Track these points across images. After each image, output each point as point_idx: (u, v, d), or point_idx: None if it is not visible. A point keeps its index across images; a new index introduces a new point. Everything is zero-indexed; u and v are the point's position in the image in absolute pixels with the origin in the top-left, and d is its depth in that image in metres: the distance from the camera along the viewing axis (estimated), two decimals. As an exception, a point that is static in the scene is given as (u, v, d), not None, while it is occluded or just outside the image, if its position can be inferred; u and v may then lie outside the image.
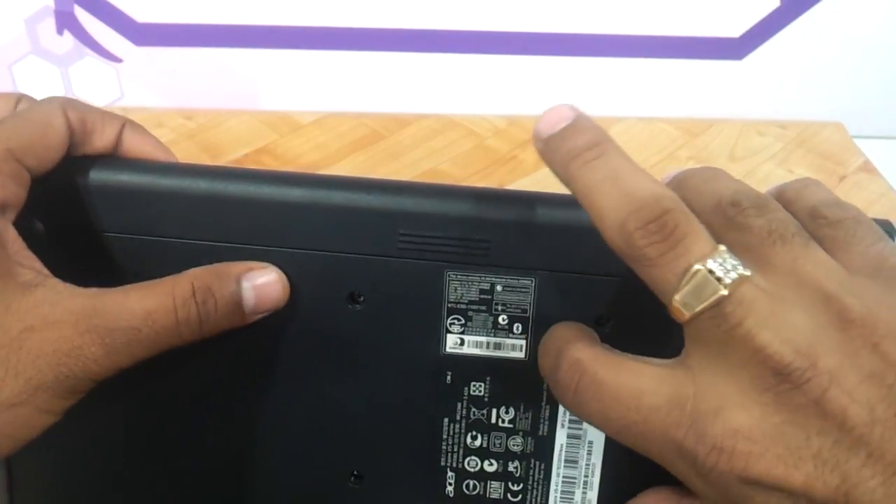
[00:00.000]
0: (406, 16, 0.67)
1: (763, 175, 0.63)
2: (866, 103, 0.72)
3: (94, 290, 0.25)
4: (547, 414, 0.30)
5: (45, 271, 0.25)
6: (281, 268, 0.28)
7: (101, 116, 0.29)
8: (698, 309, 0.21)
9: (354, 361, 0.30)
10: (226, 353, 0.29)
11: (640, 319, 0.28)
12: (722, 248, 0.22)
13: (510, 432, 0.30)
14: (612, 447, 0.30)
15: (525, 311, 0.29)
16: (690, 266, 0.21)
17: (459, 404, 0.30)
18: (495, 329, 0.29)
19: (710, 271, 0.21)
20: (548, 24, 0.68)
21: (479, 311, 0.29)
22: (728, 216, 0.23)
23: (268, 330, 0.29)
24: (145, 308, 0.25)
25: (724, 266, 0.21)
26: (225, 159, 0.63)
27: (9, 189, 0.25)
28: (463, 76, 0.70)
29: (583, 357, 0.24)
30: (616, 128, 0.68)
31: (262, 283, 0.27)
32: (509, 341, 0.29)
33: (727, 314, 0.21)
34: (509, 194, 0.30)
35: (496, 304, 0.29)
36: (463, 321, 0.29)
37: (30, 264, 0.25)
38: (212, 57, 0.69)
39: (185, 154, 0.63)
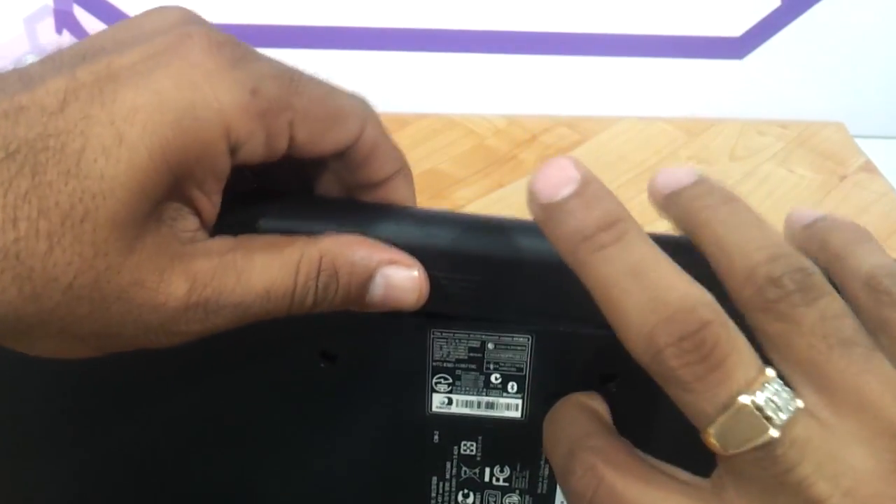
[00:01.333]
0: (406, 15, 0.67)
1: (763, 175, 0.63)
2: (867, 103, 0.72)
3: (222, 245, 0.21)
4: (546, 472, 0.28)
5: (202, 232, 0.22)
6: (243, 327, 0.24)
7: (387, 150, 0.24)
8: (742, 450, 0.18)
9: (330, 423, 0.28)
10: (199, 418, 0.28)
11: (649, 376, 0.26)
12: (771, 373, 0.18)
13: (506, 490, 0.28)
14: None
15: (521, 369, 0.26)
16: (733, 398, 0.18)
17: (449, 463, 0.28)
18: (487, 388, 0.27)
19: (758, 407, 0.18)
20: (548, 24, 0.68)
21: (468, 369, 0.26)
22: (763, 295, 0.19)
23: (239, 389, 0.27)
24: (266, 285, 0.21)
25: (774, 402, 0.18)
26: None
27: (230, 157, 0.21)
28: (463, 76, 0.70)
29: (600, 463, 0.21)
30: (616, 127, 0.68)
31: (399, 282, 0.23)
32: (503, 400, 0.27)
33: (777, 457, 0.18)
34: (496, 227, 0.25)
35: (488, 362, 0.26)
36: (450, 380, 0.27)
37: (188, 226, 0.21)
38: (211, 56, 0.69)
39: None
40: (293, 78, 0.22)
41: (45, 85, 0.19)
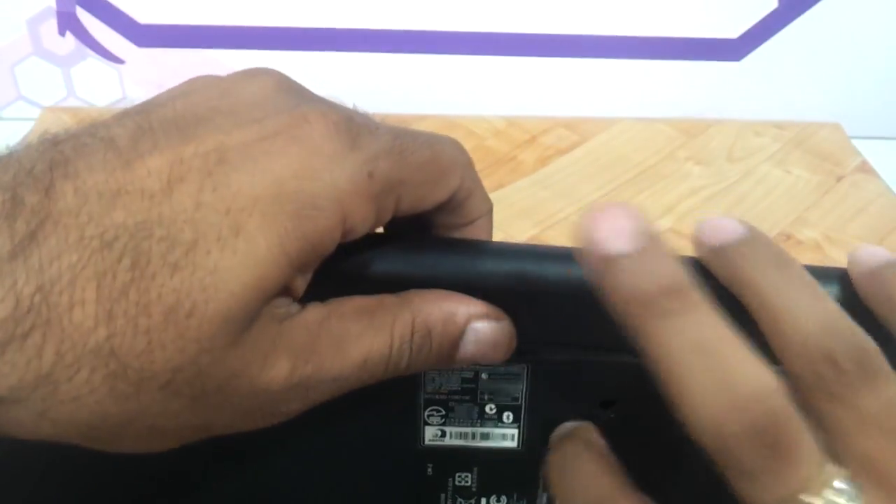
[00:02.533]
0: (406, 16, 0.68)
1: (761, 175, 0.64)
2: (864, 104, 0.72)
3: (316, 315, 0.20)
4: (544, 501, 0.28)
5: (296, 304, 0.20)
6: None
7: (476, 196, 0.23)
8: None
9: (323, 458, 0.27)
10: (185, 452, 0.27)
11: (649, 400, 0.25)
12: (834, 471, 0.17)
13: None
14: None
15: (516, 399, 0.26)
16: (794, 495, 0.17)
17: (443, 495, 0.27)
18: (482, 419, 0.26)
19: None
20: (546, 26, 0.68)
21: (461, 401, 0.26)
22: (819, 374, 0.18)
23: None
24: (363, 354, 0.20)
25: (836, 503, 0.17)
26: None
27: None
28: (462, 77, 0.70)
29: None
30: (615, 128, 0.68)
31: (486, 338, 0.22)
32: (499, 430, 0.26)
33: None
34: (486, 252, 0.24)
35: (482, 392, 0.26)
36: (443, 412, 0.26)
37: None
38: (214, 58, 0.69)
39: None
40: (403, 149, 0.21)
41: (144, 163, 0.18)
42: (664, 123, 0.69)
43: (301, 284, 0.20)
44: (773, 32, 0.69)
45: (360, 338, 0.20)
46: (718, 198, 0.61)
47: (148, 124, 0.19)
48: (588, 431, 0.23)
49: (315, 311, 0.20)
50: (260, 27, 0.68)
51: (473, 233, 0.24)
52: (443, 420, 0.26)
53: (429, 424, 0.26)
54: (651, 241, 0.18)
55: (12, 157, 0.18)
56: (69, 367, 0.17)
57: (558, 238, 0.55)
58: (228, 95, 0.20)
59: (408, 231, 0.24)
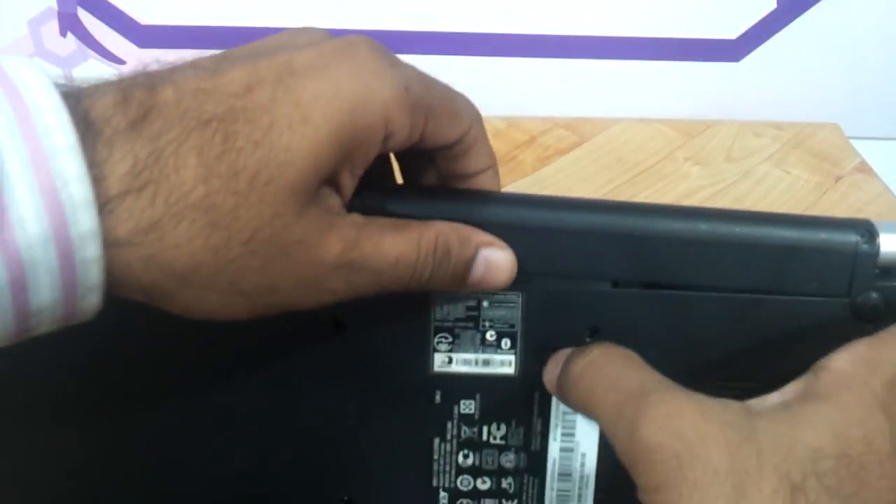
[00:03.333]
0: (406, 17, 0.68)
1: (760, 176, 0.64)
2: (862, 104, 0.72)
3: (359, 220, 0.24)
4: (539, 428, 0.30)
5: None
6: None
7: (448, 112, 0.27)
8: None
9: (341, 386, 0.29)
10: (211, 379, 0.29)
11: (634, 330, 0.28)
12: None
13: (502, 448, 0.30)
14: (605, 458, 0.30)
15: (513, 325, 0.28)
16: None
17: (450, 423, 0.29)
18: (483, 345, 0.29)
19: None
20: (546, 26, 0.69)
21: (466, 328, 0.28)
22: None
23: (251, 355, 0.28)
24: (396, 255, 0.24)
25: None
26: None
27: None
28: (462, 77, 0.70)
29: (674, 412, 0.23)
30: (614, 129, 0.69)
31: (496, 259, 0.26)
32: (498, 357, 0.29)
33: None
34: (486, 199, 0.28)
35: (483, 320, 0.28)
36: (450, 339, 0.28)
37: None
38: (214, 58, 0.69)
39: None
40: (429, 80, 0.25)
41: (227, 74, 0.22)
42: (663, 124, 0.69)
43: (348, 184, 0.24)
44: (772, 33, 0.69)
45: (393, 242, 0.24)
46: (718, 198, 0.61)
47: (224, 56, 0.23)
48: (606, 344, 0.27)
49: (357, 218, 0.24)
50: (260, 28, 0.68)
51: (479, 184, 0.28)
52: (450, 347, 0.29)
53: (437, 351, 0.29)
54: None
55: (114, 77, 0.22)
56: (174, 217, 0.21)
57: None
58: (286, 39, 0.25)
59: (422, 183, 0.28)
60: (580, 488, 0.30)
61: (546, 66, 0.70)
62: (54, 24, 0.67)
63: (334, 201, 0.24)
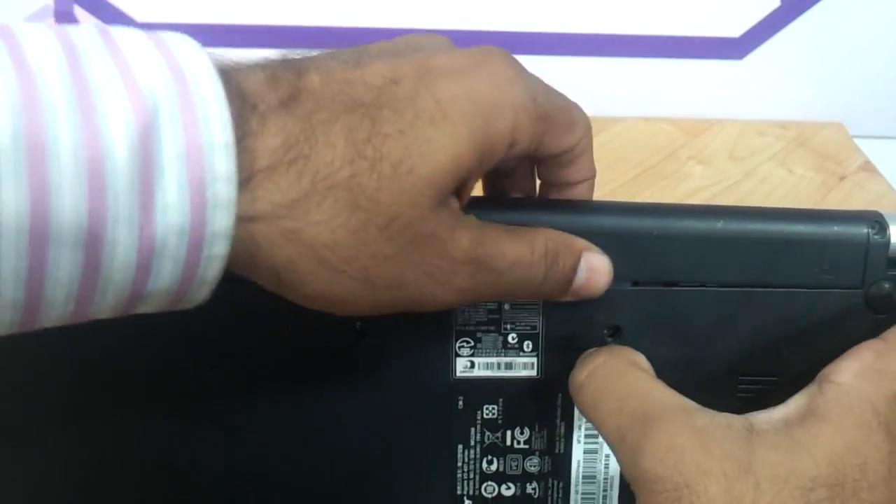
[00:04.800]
0: (407, 16, 0.67)
1: (763, 175, 0.63)
2: (866, 103, 0.72)
3: (478, 223, 0.25)
4: (562, 431, 0.30)
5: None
6: (284, 300, 0.27)
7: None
8: None
9: (363, 394, 0.29)
10: (233, 386, 0.29)
11: (654, 327, 0.28)
12: None
13: (526, 453, 0.30)
14: None
15: (535, 327, 0.28)
16: None
17: (473, 429, 0.29)
18: (505, 349, 0.29)
19: None
20: (547, 24, 0.68)
21: (487, 331, 0.28)
22: None
23: (274, 364, 0.28)
24: (513, 258, 0.24)
25: None
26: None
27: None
28: (463, 76, 0.70)
29: (683, 434, 0.24)
30: (616, 128, 0.68)
31: (596, 266, 0.26)
32: (520, 360, 0.29)
33: None
34: (504, 204, 0.28)
35: (505, 323, 0.28)
36: (472, 343, 0.28)
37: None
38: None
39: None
40: (550, 90, 0.26)
41: (369, 67, 0.23)
42: (666, 122, 0.69)
43: (468, 189, 0.24)
44: (776, 31, 0.69)
45: (511, 245, 0.25)
46: (721, 197, 0.60)
47: (362, 50, 0.24)
48: (616, 347, 0.27)
49: (477, 220, 0.25)
50: (258, 26, 0.68)
51: (576, 194, 0.28)
52: (472, 351, 0.29)
53: (459, 356, 0.29)
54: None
55: (255, 60, 0.22)
56: (320, 194, 0.21)
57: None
58: (415, 42, 0.25)
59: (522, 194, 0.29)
60: (605, 490, 0.30)
61: (547, 64, 0.70)
62: (51, 22, 0.67)
63: (456, 204, 0.24)
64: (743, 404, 0.29)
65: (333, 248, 0.22)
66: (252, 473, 0.30)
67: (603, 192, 0.60)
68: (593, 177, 0.28)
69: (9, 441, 0.29)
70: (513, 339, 0.28)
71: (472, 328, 0.28)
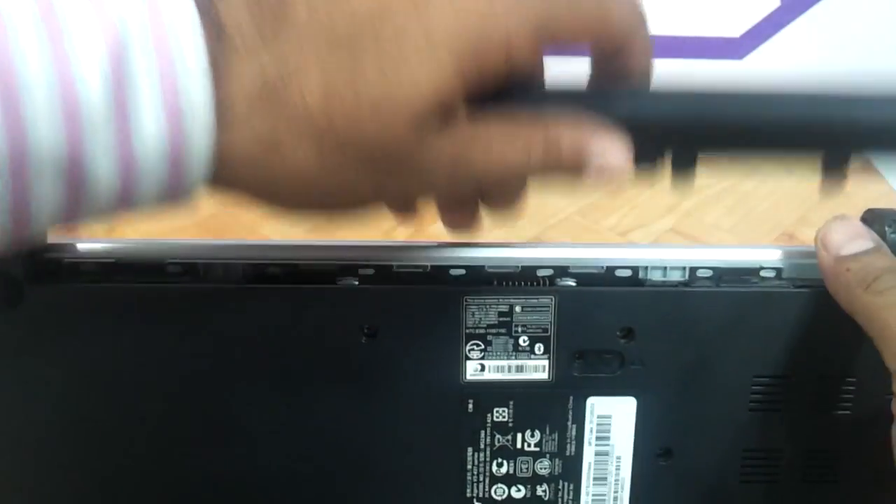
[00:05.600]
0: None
1: (762, 175, 0.63)
2: (867, 103, 0.72)
3: (470, 126, 0.24)
4: (573, 433, 0.29)
5: None
6: (292, 302, 0.28)
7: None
8: None
9: (372, 396, 0.29)
10: (241, 389, 0.29)
11: (667, 329, 0.28)
12: None
13: (537, 455, 0.30)
14: (640, 461, 0.30)
15: (546, 329, 0.28)
16: None
17: (483, 432, 0.29)
18: (516, 351, 0.28)
19: None
20: (548, 24, 0.68)
21: (498, 334, 0.28)
22: None
23: (279, 365, 0.28)
24: (504, 161, 0.24)
25: None
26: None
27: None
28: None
29: None
30: (616, 127, 0.68)
31: (610, 160, 0.26)
32: (531, 363, 0.28)
33: None
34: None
35: (516, 325, 0.28)
36: (482, 346, 0.28)
37: None
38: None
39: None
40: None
41: None
42: (666, 122, 0.69)
43: (473, 97, 0.24)
44: (776, 31, 0.69)
45: (501, 149, 0.24)
46: (721, 198, 0.60)
47: None
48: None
49: (466, 125, 0.24)
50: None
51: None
52: (482, 354, 0.28)
53: (469, 359, 0.28)
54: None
55: None
56: (293, 137, 0.21)
57: (560, 238, 0.55)
58: None
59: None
60: (616, 492, 0.30)
61: (547, 64, 0.70)
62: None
63: (452, 114, 0.24)
64: (757, 406, 0.29)
65: (306, 180, 0.22)
66: (260, 476, 0.30)
67: (603, 192, 0.60)
68: (647, 70, 0.28)
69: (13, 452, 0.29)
70: (524, 341, 0.28)
71: (482, 331, 0.28)
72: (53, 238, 0.28)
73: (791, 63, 0.70)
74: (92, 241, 0.29)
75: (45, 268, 0.27)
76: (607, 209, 0.58)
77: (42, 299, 0.27)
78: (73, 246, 0.28)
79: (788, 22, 0.69)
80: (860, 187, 0.62)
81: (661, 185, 0.63)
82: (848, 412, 0.29)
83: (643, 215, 0.58)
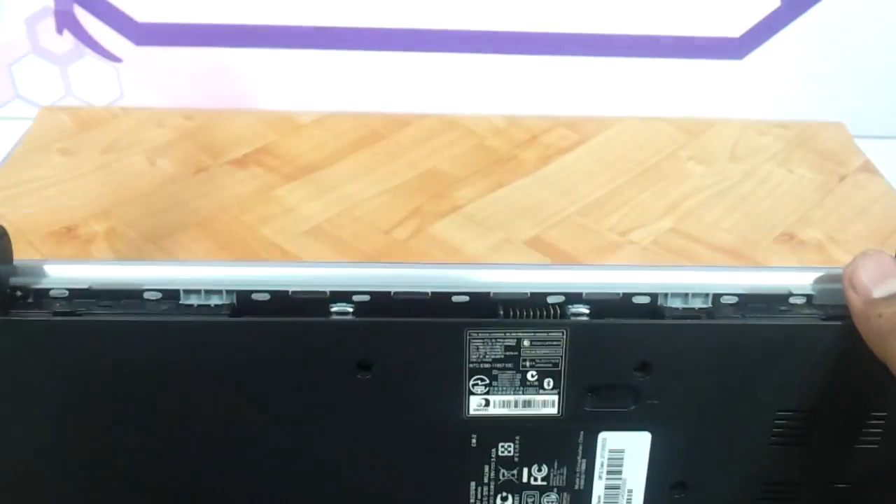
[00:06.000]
0: (406, 16, 0.67)
1: (763, 175, 0.63)
2: (867, 103, 0.72)
3: None
4: (583, 467, 0.28)
5: None
6: (281, 336, 0.26)
7: None
8: None
9: (369, 432, 0.28)
10: (240, 420, 0.28)
11: (684, 362, 0.27)
12: None
13: (544, 490, 0.29)
14: (652, 494, 0.29)
15: (556, 364, 0.27)
16: None
17: (487, 466, 0.28)
18: (524, 386, 0.27)
19: None
20: (548, 24, 0.68)
21: (504, 369, 0.27)
22: None
23: (269, 402, 0.27)
24: None
25: None
26: (224, 159, 0.63)
27: None
28: (463, 76, 0.70)
29: None
30: (616, 128, 0.68)
31: None
32: (540, 398, 0.27)
33: None
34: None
35: (524, 359, 0.27)
36: (487, 381, 0.27)
37: None
38: (212, 57, 0.69)
39: (183, 154, 0.63)
40: None
41: None
42: (666, 122, 0.69)
43: None
44: (776, 31, 0.69)
45: None
46: (721, 197, 0.60)
47: None
48: None
49: None
50: (258, 25, 0.67)
51: None
52: (487, 389, 0.27)
53: (473, 394, 0.27)
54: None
55: None
56: None
57: (560, 238, 0.55)
58: None
59: None
60: None
61: (547, 63, 0.70)
62: (51, 22, 0.67)
63: None
64: (780, 439, 0.28)
65: None
66: None
67: (603, 192, 0.60)
68: None
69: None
70: (532, 376, 0.27)
71: (487, 365, 0.27)
72: (20, 257, 0.27)
73: (791, 63, 0.70)
74: (63, 262, 0.27)
75: (10, 294, 0.26)
76: (607, 209, 0.58)
77: (7, 331, 0.25)
78: (40, 268, 0.27)
79: (788, 22, 0.69)
80: (860, 187, 0.62)
81: (661, 186, 0.63)
82: (876, 446, 0.28)
83: (643, 215, 0.58)
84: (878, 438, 0.28)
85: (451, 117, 0.68)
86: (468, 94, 0.71)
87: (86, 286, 0.26)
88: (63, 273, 0.26)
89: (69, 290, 0.26)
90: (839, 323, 0.26)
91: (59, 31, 0.67)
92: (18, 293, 0.26)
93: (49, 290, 0.26)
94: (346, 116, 0.68)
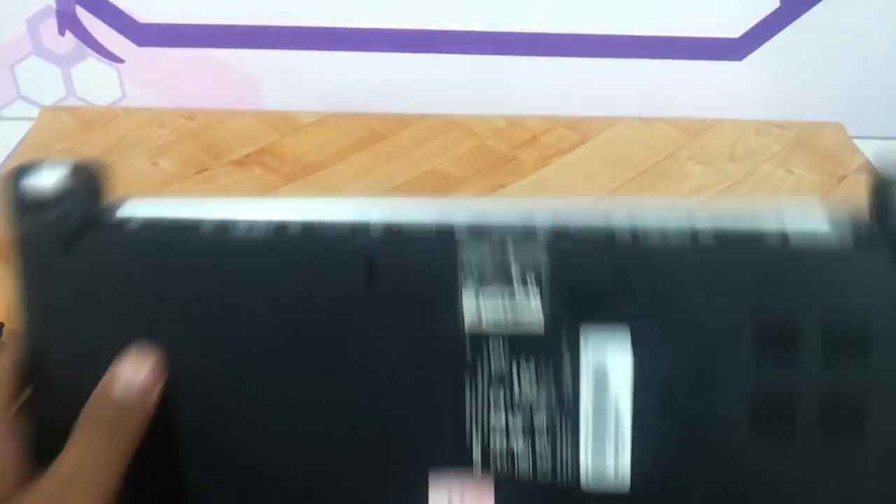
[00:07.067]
0: (406, 16, 0.67)
1: (763, 175, 0.64)
2: (866, 104, 0.72)
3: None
4: (569, 364, 0.30)
5: None
6: (298, 246, 0.29)
7: None
8: None
9: (370, 343, 0.30)
10: (242, 332, 0.30)
11: (659, 274, 0.28)
12: None
13: (533, 387, 0.30)
14: (641, 389, 0.30)
15: (539, 269, 0.29)
16: None
17: (480, 375, 0.30)
18: (511, 293, 0.29)
19: None
20: (548, 25, 0.68)
21: (493, 273, 0.29)
22: None
23: (280, 311, 0.29)
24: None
25: None
26: (226, 159, 0.63)
27: None
28: (463, 76, 0.70)
29: None
30: (616, 128, 0.68)
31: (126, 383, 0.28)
32: (525, 303, 0.29)
33: None
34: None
35: (510, 263, 0.29)
36: (478, 284, 0.29)
37: None
38: (213, 57, 0.69)
39: (185, 154, 0.63)
40: None
41: None
42: (665, 123, 0.69)
43: None
44: (775, 32, 0.69)
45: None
46: (721, 197, 0.60)
47: None
48: None
49: None
50: (259, 26, 0.68)
51: None
52: (477, 290, 0.29)
53: (466, 297, 0.29)
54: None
55: None
56: None
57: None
58: None
59: None
60: (616, 420, 0.30)
61: (548, 64, 0.70)
62: (53, 23, 0.67)
63: None
64: (768, 347, 0.29)
65: None
66: (257, 426, 0.30)
67: (603, 192, 0.60)
68: None
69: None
70: (519, 281, 0.29)
71: (478, 270, 0.29)
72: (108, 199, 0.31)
73: (790, 64, 0.71)
74: (139, 200, 0.31)
75: (99, 218, 0.30)
76: (607, 209, 0.59)
77: (94, 244, 0.30)
78: (121, 205, 0.31)
79: (788, 23, 0.69)
80: (860, 188, 0.62)
81: (661, 186, 0.63)
82: (867, 357, 0.29)
83: (643, 215, 0.58)
84: (868, 349, 0.29)
85: (452, 117, 0.68)
86: (468, 94, 0.71)
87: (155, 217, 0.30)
88: (138, 206, 0.31)
89: (144, 219, 0.31)
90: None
91: (61, 31, 0.67)
92: (104, 218, 0.31)
93: (128, 220, 0.31)
94: (347, 117, 0.68)
